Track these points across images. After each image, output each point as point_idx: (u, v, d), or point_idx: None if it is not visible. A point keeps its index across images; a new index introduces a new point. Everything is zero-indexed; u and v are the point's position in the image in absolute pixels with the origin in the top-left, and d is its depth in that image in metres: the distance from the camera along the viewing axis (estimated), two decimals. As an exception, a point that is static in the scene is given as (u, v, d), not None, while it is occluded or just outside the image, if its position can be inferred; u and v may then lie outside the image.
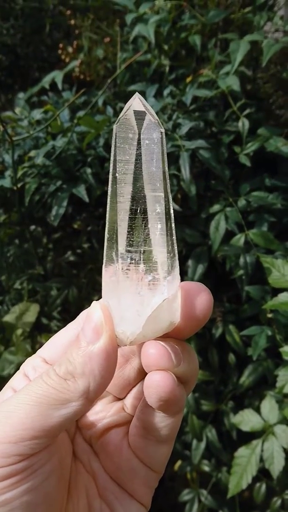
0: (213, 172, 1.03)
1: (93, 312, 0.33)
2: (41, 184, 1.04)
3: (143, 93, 1.13)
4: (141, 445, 0.36)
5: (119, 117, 0.34)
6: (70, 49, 1.43)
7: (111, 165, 0.34)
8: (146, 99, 0.95)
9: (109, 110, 1.15)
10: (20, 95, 1.32)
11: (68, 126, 1.07)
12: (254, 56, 1.17)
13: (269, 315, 0.95)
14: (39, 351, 0.39)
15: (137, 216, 0.34)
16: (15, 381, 0.37)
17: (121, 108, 1.17)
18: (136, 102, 0.34)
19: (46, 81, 1.25)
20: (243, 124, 1.01)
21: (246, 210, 1.03)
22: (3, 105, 1.74)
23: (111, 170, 0.34)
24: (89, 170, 1.03)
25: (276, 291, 0.86)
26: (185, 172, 0.97)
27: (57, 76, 1.24)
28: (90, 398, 0.31)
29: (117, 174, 0.33)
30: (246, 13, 1.11)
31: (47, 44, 1.81)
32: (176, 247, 0.35)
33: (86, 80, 1.37)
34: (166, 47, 1.15)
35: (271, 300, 0.83)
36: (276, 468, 0.88)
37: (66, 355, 0.32)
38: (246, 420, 0.96)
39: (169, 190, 0.34)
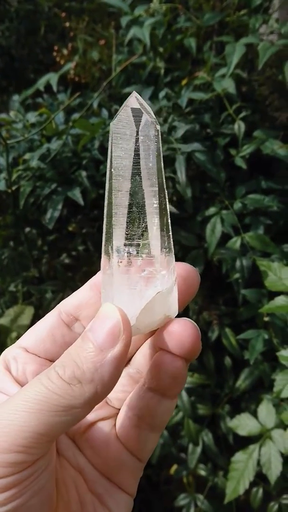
0: (209, 175, 1.03)
1: (109, 314, 0.31)
2: (36, 187, 1.03)
3: (138, 95, 1.12)
4: (133, 435, 0.36)
5: (115, 115, 0.34)
6: (65, 51, 1.43)
7: (108, 161, 0.34)
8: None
9: (104, 112, 1.15)
10: (15, 97, 1.32)
11: (63, 128, 1.06)
12: (250, 59, 1.17)
13: (266, 319, 0.95)
14: (18, 342, 0.38)
15: (133, 210, 0.34)
16: None
17: (116, 110, 1.17)
18: (132, 100, 0.34)
19: (41, 83, 1.25)
20: (239, 127, 1.01)
21: (242, 212, 1.03)
22: (-2, 107, 1.73)
23: (108, 166, 0.34)
24: (84, 173, 1.03)
25: (272, 294, 0.86)
26: (181, 175, 0.96)
27: (52, 78, 1.24)
28: (94, 404, 0.30)
29: (112, 170, 0.34)
30: (241, 16, 1.10)
31: (42, 46, 1.80)
32: (172, 242, 0.35)
33: (81, 82, 1.37)
34: (161, 49, 1.15)
35: (268, 304, 0.83)
36: (273, 473, 0.87)
37: (71, 356, 0.31)
38: (243, 424, 0.95)
39: (164, 186, 0.35)
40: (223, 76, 1.02)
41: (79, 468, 0.37)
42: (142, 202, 0.34)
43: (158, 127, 0.34)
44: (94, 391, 0.29)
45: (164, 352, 0.34)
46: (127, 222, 0.34)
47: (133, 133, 0.34)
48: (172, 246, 0.35)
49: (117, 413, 0.38)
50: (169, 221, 0.35)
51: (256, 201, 1.01)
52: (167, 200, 0.35)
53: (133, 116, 0.34)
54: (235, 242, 0.99)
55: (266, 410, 0.94)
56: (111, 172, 0.34)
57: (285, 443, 0.86)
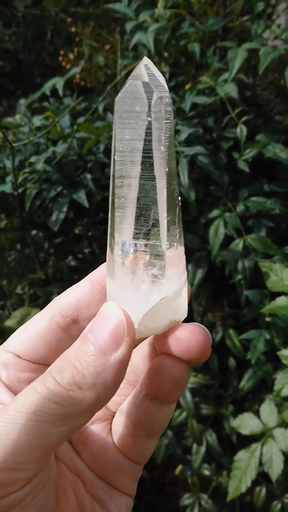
0: (212, 178, 1.04)
1: (111, 313, 0.29)
2: (41, 190, 1.05)
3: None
4: (130, 443, 0.35)
5: (122, 88, 0.29)
6: (71, 56, 1.44)
7: (112, 144, 0.30)
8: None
9: (110, 116, 1.16)
10: (21, 101, 1.33)
11: (68, 132, 1.08)
12: (253, 64, 1.18)
13: (268, 319, 0.96)
14: (6, 345, 0.34)
15: (140, 200, 0.30)
16: None
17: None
18: (141, 69, 0.29)
19: (47, 88, 1.26)
20: (241, 131, 1.02)
21: (244, 215, 1.04)
22: (5, 110, 1.75)
23: (112, 150, 0.30)
24: (89, 176, 1.04)
25: (274, 295, 0.87)
26: (184, 178, 0.98)
27: (58, 82, 1.25)
28: (95, 411, 0.28)
29: (116, 155, 0.29)
30: (245, 22, 1.12)
31: (49, 50, 1.82)
32: (183, 238, 0.31)
33: (87, 87, 1.38)
34: (166, 54, 1.16)
35: (269, 304, 0.84)
36: (275, 472, 0.88)
37: (70, 359, 0.28)
38: (246, 423, 0.96)
39: (176, 174, 0.30)
40: (226, 81, 1.04)
41: (77, 471, 0.35)
42: (151, 191, 0.29)
43: (171, 101, 0.29)
44: (96, 397, 0.27)
45: (165, 356, 0.31)
46: (133, 214, 0.30)
47: (142, 110, 0.29)
48: (183, 241, 0.32)
49: (113, 416, 0.37)
50: (181, 213, 0.31)
51: (259, 204, 1.02)
52: (178, 189, 0.31)
53: (142, 90, 0.28)
54: (238, 244, 1.00)
55: (268, 410, 0.94)
56: (113, 159, 0.30)
57: (286, 442, 0.87)
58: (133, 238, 0.30)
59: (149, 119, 0.29)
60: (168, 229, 0.30)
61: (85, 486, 0.34)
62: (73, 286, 0.35)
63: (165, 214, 0.30)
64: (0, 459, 0.26)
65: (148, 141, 0.29)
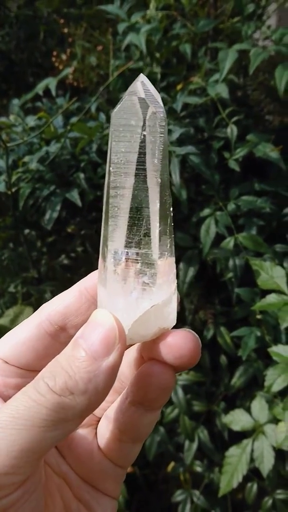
0: (203, 177, 1.05)
1: (103, 320, 0.29)
2: (35, 189, 1.05)
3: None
4: (116, 448, 0.35)
5: (118, 102, 0.30)
6: (63, 57, 1.45)
7: (108, 155, 0.31)
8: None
9: (102, 116, 1.17)
10: (14, 101, 1.34)
11: (61, 132, 1.08)
12: (243, 64, 1.19)
13: (258, 316, 0.97)
14: None
15: (133, 210, 0.31)
16: None
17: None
18: (138, 86, 0.30)
19: (40, 88, 1.27)
20: (232, 130, 1.04)
21: (235, 214, 1.05)
22: (-2, 110, 1.76)
23: (107, 161, 0.31)
24: (82, 175, 1.05)
25: (264, 293, 0.88)
26: (176, 177, 0.99)
27: (51, 83, 1.26)
28: (86, 416, 0.29)
29: (111, 167, 0.30)
30: (235, 23, 1.13)
31: (41, 51, 1.83)
32: (174, 248, 0.32)
33: (80, 87, 1.39)
34: (157, 55, 1.17)
35: (260, 302, 0.85)
36: (266, 467, 0.90)
37: (61, 365, 0.28)
38: (237, 419, 0.97)
39: (169, 184, 0.31)
40: (217, 81, 1.05)
41: (62, 474, 0.35)
42: (144, 202, 0.30)
43: (165, 117, 0.31)
44: (87, 402, 0.27)
45: (154, 362, 0.32)
46: (127, 224, 0.31)
47: (138, 124, 0.30)
48: (174, 250, 0.32)
49: (98, 421, 0.37)
50: (172, 223, 0.32)
51: (250, 203, 1.03)
52: (171, 200, 0.32)
53: (137, 105, 0.30)
54: (229, 242, 1.00)
55: (259, 406, 0.96)
56: (109, 170, 0.31)
57: (277, 438, 0.88)
58: (125, 246, 0.31)
59: (144, 133, 0.30)
60: (160, 239, 0.31)
61: (71, 489, 0.35)
62: (62, 293, 0.35)
63: (157, 224, 0.31)
64: None
65: (142, 154, 0.30)
